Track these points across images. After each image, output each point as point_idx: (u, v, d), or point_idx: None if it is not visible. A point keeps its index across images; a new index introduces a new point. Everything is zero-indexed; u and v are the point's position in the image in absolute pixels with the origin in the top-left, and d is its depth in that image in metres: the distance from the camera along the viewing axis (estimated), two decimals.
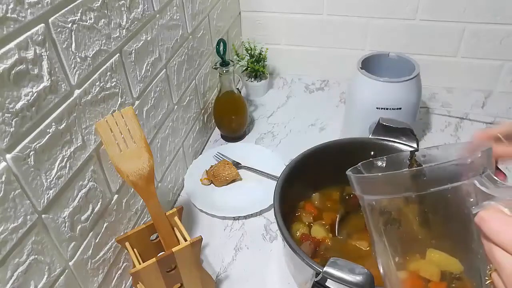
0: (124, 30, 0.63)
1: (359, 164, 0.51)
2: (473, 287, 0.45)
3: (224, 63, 0.94)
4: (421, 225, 0.46)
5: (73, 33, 0.51)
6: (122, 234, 0.64)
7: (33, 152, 0.47)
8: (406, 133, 0.74)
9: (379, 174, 0.44)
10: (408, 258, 0.45)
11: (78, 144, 0.55)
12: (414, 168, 0.49)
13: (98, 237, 0.61)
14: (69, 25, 0.50)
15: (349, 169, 0.48)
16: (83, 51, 0.54)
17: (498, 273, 0.35)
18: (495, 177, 0.38)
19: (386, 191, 0.43)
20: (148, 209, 0.61)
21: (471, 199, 0.39)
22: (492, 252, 0.35)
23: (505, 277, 0.33)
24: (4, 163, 0.43)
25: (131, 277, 0.72)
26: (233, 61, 0.95)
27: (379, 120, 0.76)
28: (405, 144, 0.74)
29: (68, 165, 0.53)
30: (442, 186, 0.40)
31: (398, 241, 0.45)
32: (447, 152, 0.55)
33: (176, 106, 0.85)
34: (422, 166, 0.53)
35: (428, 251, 0.45)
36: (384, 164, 0.53)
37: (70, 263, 0.56)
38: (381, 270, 0.46)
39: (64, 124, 0.51)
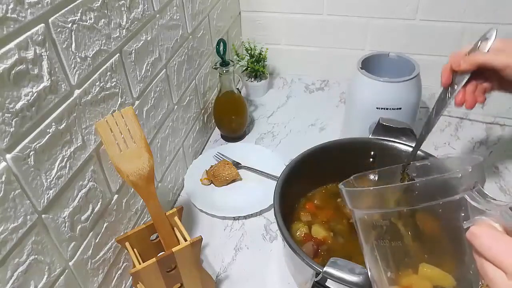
0: (124, 30, 0.63)
1: (351, 177, 0.51)
2: None
3: (224, 63, 0.94)
4: (413, 239, 0.46)
5: (73, 33, 0.51)
6: (122, 234, 0.64)
7: (33, 152, 0.47)
8: (406, 133, 0.74)
9: (370, 188, 0.44)
10: (401, 273, 0.45)
11: (78, 144, 0.55)
12: (405, 183, 0.49)
13: (98, 237, 0.61)
14: (69, 25, 0.50)
15: (341, 183, 0.48)
16: (83, 51, 0.54)
17: None
18: (485, 192, 0.38)
19: (377, 205, 0.43)
20: (148, 209, 0.61)
21: (462, 214, 0.39)
22: (484, 267, 0.35)
23: None
24: (4, 163, 0.43)
25: (131, 277, 0.72)
26: (233, 61, 0.95)
27: (379, 120, 0.76)
28: (405, 144, 0.74)
29: (68, 165, 0.53)
30: (433, 201, 0.40)
31: (390, 255, 0.45)
32: (439, 165, 0.55)
33: (176, 106, 0.85)
34: (413, 179, 0.54)
35: (421, 266, 0.45)
36: (377, 177, 0.53)
37: (70, 263, 0.56)
38: (374, 285, 0.46)
39: (64, 124, 0.51)
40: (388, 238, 0.45)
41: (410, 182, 0.51)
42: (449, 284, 0.45)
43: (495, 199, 0.37)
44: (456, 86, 0.60)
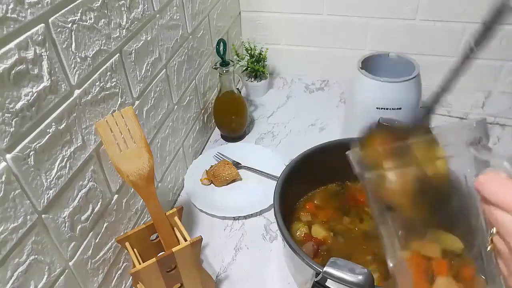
0: (124, 30, 0.63)
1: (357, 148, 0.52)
2: (473, 263, 0.46)
3: (224, 63, 0.94)
4: (422, 208, 0.47)
5: (73, 33, 0.51)
6: (122, 234, 0.64)
7: (33, 152, 0.47)
8: None
9: (379, 147, 0.45)
10: (411, 238, 0.46)
11: (78, 144, 0.55)
12: (410, 140, 0.50)
13: (98, 237, 0.61)
14: (69, 25, 0.50)
15: (348, 151, 0.49)
16: (83, 51, 0.54)
17: (499, 235, 0.36)
18: (489, 147, 0.39)
19: (385, 162, 0.44)
20: (148, 209, 0.61)
21: (469, 170, 0.40)
22: (493, 213, 0.36)
23: (507, 235, 0.34)
24: (4, 163, 0.43)
25: (131, 277, 0.72)
26: (233, 61, 0.95)
27: (379, 120, 0.76)
28: None
29: (68, 165, 0.53)
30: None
31: (401, 223, 0.46)
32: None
33: (176, 106, 0.85)
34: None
35: (430, 231, 0.46)
36: None
37: (70, 263, 0.56)
38: (386, 250, 0.46)
39: (64, 124, 0.51)
40: (400, 207, 0.45)
41: (415, 138, 0.52)
42: (457, 247, 0.46)
43: (498, 152, 0.38)
44: None
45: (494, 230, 0.36)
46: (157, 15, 0.73)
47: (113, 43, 0.60)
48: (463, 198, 0.41)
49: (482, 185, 0.37)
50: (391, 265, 0.46)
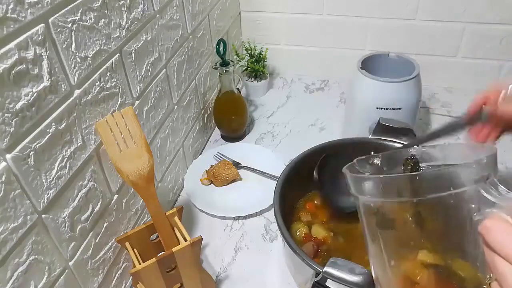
0: (124, 30, 0.63)
1: (354, 160, 0.50)
2: None
3: (224, 63, 0.94)
4: (417, 229, 0.46)
5: (73, 33, 0.51)
6: (122, 234, 0.64)
7: (33, 152, 0.47)
8: (406, 133, 0.74)
9: (380, 176, 0.43)
10: (402, 260, 0.45)
11: (78, 144, 0.55)
12: (415, 173, 0.48)
13: (98, 237, 0.61)
14: (69, 25, 0.50)
15: (345, 166, 0.48)
16: (83, 51, 0.54)
17: (499, 283, 0.34)
18: (499, 184, 0.37)
19: (384, 194, 0.42)
20: (148, 209, 0.61)
21: (473, 205, 0.38)
22: (495, 262, 0.34)
23: (506, 287, 0.33)
24: (4, 163, 0.43)
25: (131, 277, 0.72)
26: (233, 61, 0.95)
27: (379, 120, 0.76)
28: (405, 144, 0.74)
29: (68, 165, 0.53)
30: (443, 192, 0.39)
31: (393, 243, 0.45)
32: (446, 152, 0.54)
33: (176, 106, 0.85)
34: (419, 165, 0.53)
35: (421, 252, 0.45)
36: (380, 162, 0.53)
37: (70, 263, 0.56)
38: (374, 272, 0.46)
39: (64, 124, 0.51)
40: (392, 226, 0.44)
41: (420, 172, 0.49)
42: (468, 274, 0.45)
43: (508, 192, 0.37)
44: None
45: (494, 276, 0.35)
46: (157, 15, 0.73)
47: (113, 43, 0.60)
48: (461, 225, 0.40)
49: (487, 230, 0.35)
50: (374, 275, 0.46)
